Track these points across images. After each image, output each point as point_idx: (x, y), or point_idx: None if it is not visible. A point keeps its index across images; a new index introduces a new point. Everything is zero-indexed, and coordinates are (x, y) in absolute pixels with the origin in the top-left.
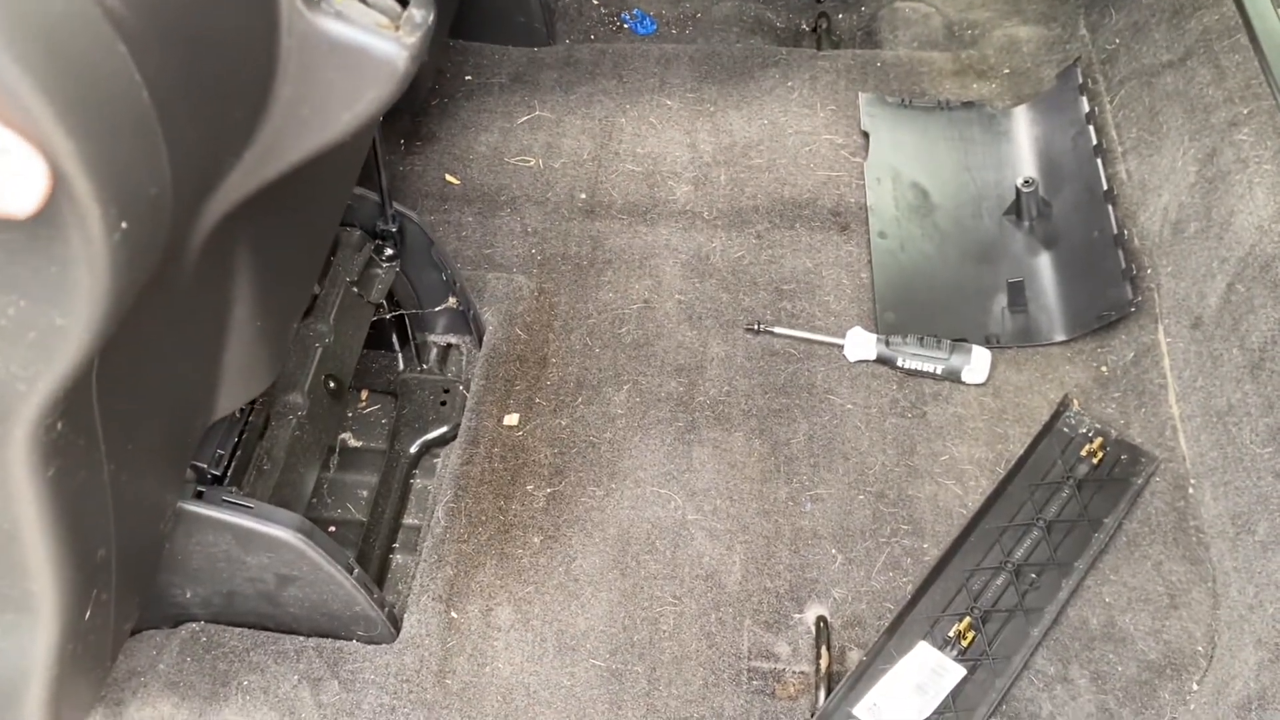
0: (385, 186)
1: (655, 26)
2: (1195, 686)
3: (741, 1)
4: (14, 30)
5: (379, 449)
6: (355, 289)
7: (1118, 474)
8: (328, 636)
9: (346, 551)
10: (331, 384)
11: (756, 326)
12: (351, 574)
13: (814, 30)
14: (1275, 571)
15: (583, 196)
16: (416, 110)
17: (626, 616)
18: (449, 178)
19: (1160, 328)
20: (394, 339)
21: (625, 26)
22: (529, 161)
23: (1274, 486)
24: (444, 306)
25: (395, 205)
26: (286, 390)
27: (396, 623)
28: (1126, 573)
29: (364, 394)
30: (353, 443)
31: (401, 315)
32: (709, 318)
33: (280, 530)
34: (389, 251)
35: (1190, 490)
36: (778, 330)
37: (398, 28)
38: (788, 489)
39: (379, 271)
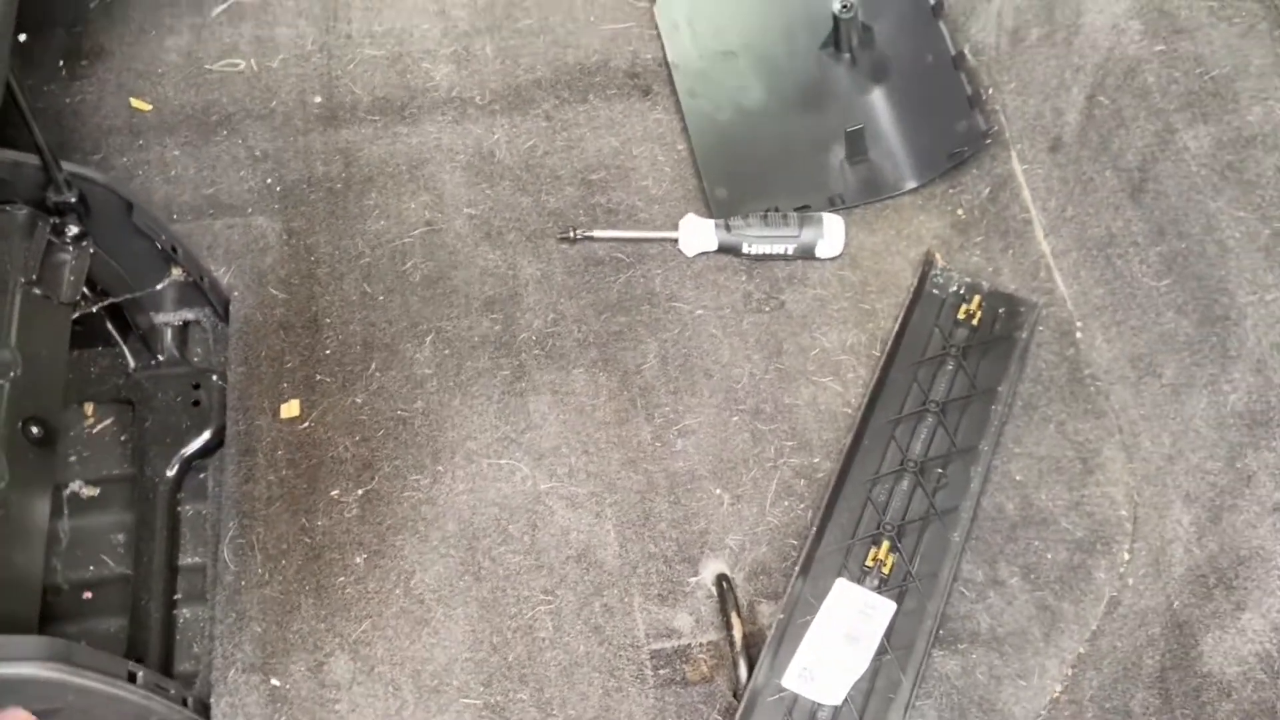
0: (42, 141)
1: None
2: (1127, 556)
3: None
4: None
5: (124, 475)
6: (37, 290)
7: (1000, 331)
8: None
9: (122, 660)
10: (35, 429)
11: (571, 233)
12: (135, 681)
13: None
14: (1193, 416)
15: (317, 100)
16: (71, 19)
17: (494, 632)
18: (136, 103)
19: (1013, 154)
20: (110, 328)
21: None
22: (238, 65)
23: (1177, 324)
24: (168, 281)
25: (67, 165)
26: None
27: (205, 708)
28: (1030, 442)
29: (89, 409)
30: (86, 493)
31: (114, 304)
32: (511, 231)
33: (25, 668)
34: (74, 230)
35: (1078, 334)
36: (597, 234)
37: None
38: (650, 427)
39: (66, 258)
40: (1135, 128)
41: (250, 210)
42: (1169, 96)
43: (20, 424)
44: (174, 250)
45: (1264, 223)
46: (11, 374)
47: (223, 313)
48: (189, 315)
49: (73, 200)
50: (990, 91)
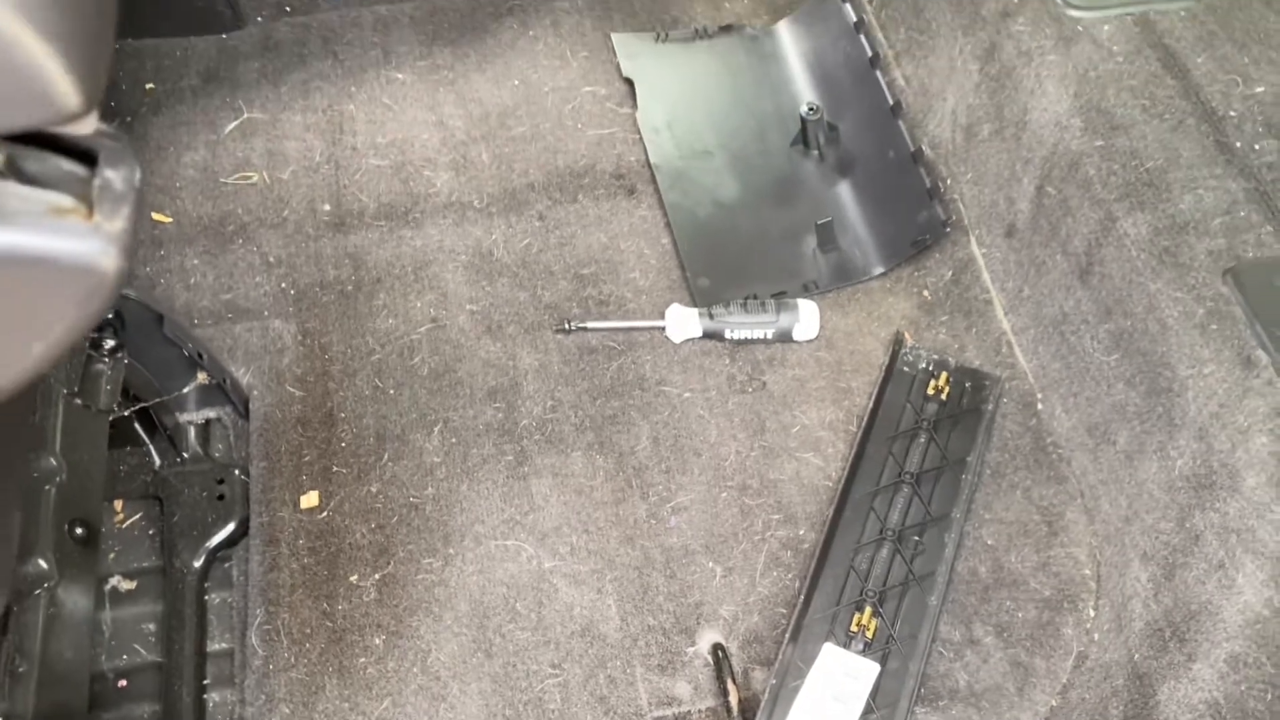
0: None
1: None
2: (1092, 612)
3: None
4: None
5: (154, 567)
6: (78, 400)
7: (967, 405)
8: None
9: None
10: (80, 530)
11: (566, 325)
12: None
13: None
14: (1145, 480)
15: (326, 208)
16: None
17: (505, 705)
18: (156, 216)
19: (972, 239)
20: (138, 429)
21: None
22: (251, 177)
23: (1127, 395)
24: (193, 385)
25: None
26: (23, 559)
27: None
28: (1000, 507)
29: (118, 505)
30: (124, 586)
31: (143, 407)
32: (510, 324)
33: None
34: (110, 342)
35: (1039, 406)
36: (591, 325)
37: (90, 207)
38: (645, 505)
39: (103, 369)
40: (1080, 215)
41: (267, 313)
42: (1109, 187)
43: (66, 526)
44: (200, 356)
45: (1198, 303)
46: (57, 479)
47: (243, 410)
48: (211, 414)
49: (109, 316)
50: (948, 183)
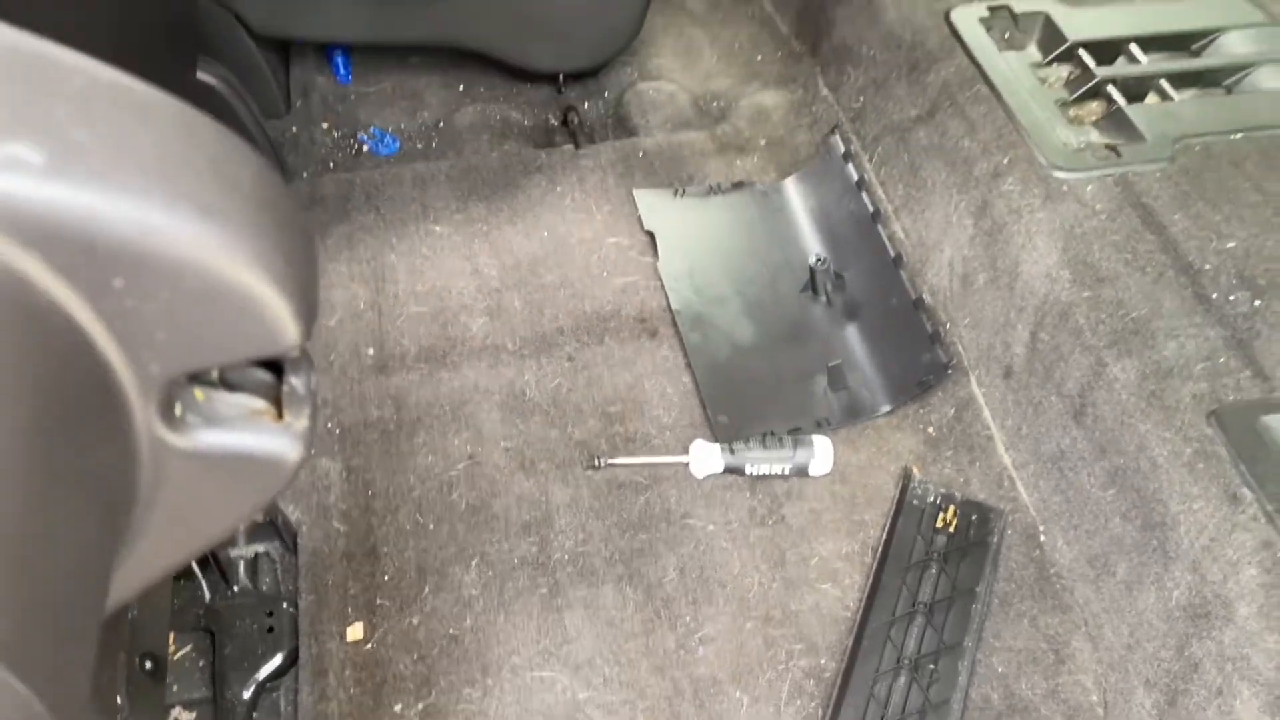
0: None
1: (398, 144)
2: None
3: (483, 104)
4: None
5: (203, 698)
6: None
7: (974, 537)
8: None
9: None
10: (149, 664)
11: (596, 461)
12: None
13: (564, 124)
14: (1145, 610)
15: (370, 352)
16: None
17: None
18: None
19: (973, 380)
20: (192, 565)
21: (365, 149)
22: None
23: (1124, 529)
24: (249, 521)
25: None
26: None
27: None
28: (1009, 636)
29: (170, 637)
30: (184, 717)
31: None
32: (543, 461)
33: None
34: None
35: (1041, 538)
36: (618, 461)
37: (280, 408)
38: (674, 635)
39: None
40: (1072, 360)
41: (314, 452)
42: (1098, 334)
43: (138, 658)
44: None
45: (1186, 443)
46: (130, 614)
47: (291, 545)
48: (259, 548)
49: None
50: (948, 327)
